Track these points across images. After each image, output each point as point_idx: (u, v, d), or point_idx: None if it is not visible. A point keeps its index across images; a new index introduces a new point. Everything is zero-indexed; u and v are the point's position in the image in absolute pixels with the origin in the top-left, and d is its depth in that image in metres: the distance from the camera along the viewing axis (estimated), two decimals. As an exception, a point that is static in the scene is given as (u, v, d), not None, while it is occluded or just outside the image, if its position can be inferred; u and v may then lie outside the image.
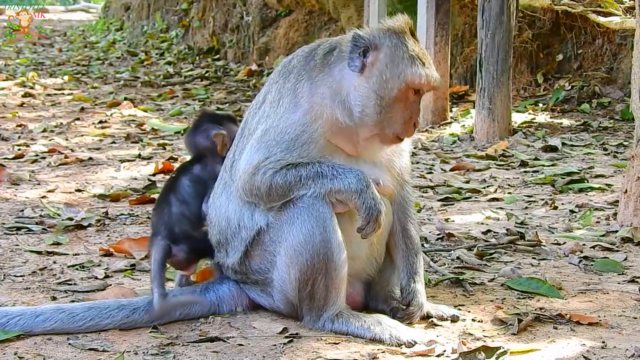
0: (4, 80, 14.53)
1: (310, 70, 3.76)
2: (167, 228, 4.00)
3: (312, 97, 3.73)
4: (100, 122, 10.83)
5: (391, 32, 3.72)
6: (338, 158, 3.76)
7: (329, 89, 3.72)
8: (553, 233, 5.60)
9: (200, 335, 3.69)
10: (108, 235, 5.48)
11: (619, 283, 4.53)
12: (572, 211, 6.21)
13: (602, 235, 5.48)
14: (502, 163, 8.18)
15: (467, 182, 7.33)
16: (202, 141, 4.18)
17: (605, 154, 8.49)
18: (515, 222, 5.84)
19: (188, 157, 8.14)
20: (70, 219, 5.81)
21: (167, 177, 7.33)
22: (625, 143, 8.80)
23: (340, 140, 3.77)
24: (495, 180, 7.38)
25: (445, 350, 3.51)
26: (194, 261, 4.10)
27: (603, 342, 3.64)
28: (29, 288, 4.36)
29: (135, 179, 7.47)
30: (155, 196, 6.36)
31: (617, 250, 5.18)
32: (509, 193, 6.88)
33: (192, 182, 4.12)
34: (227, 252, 3.94)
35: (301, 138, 3.70)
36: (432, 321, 3.87)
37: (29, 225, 5.65)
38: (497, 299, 4.25)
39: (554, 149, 8.69)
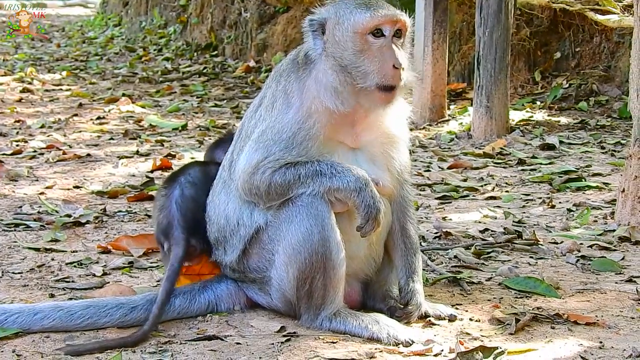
0: (2, 75, 14.48)
1: (296, 71, 3.82)
2: (182, 215, 4.02)
3: (302, 94, 3.76)
4: (98, 118, 10.80)
5: (337, 1, 3.77)
6: (338, 154, 3.77)
7: (314, 81, 3.75)
8: (550, 232, 5.60)
9: (198, 334, 3.70)
10: (106, 233, 5.48)
11: (616, 282, 4.53)
12: (569, 210, 6.21)
13: (600, 234, 5.48)
14: (500, 161, 8.17)
15: (465, 180, 7.33)
16: (221, 156, 4.24)
17: (602, 153, 8.48)
18: (513, 221, 5.84)
19: (185, 153, 8.18)
20: (69, 215, 5.81)
21: (165, 174, 7.34)
22: (622, 141, 8.80)
23: (339, 132, 3.78)
24: (493, 179, 7.38)
25: (442, 350, 3.52)
26: (205, 254, 4.11)
27: (600, 342, 3.64)
28: (27, 285, 4.37)
29: (134, 175, 7.46)
30: (153, 193, 6.36)
31: (615, 250, 5.18)
32: (506, 191, 6.89)
33: (203, 172, 4.20)
34: (225, 250, 3.95)
35: (298, 136, 3.72)
36: (429, 320, 3.88)
37: (27, 222, 5.65)
38: (494, 298, 4.25)
39: (551, 147, 8.68)
